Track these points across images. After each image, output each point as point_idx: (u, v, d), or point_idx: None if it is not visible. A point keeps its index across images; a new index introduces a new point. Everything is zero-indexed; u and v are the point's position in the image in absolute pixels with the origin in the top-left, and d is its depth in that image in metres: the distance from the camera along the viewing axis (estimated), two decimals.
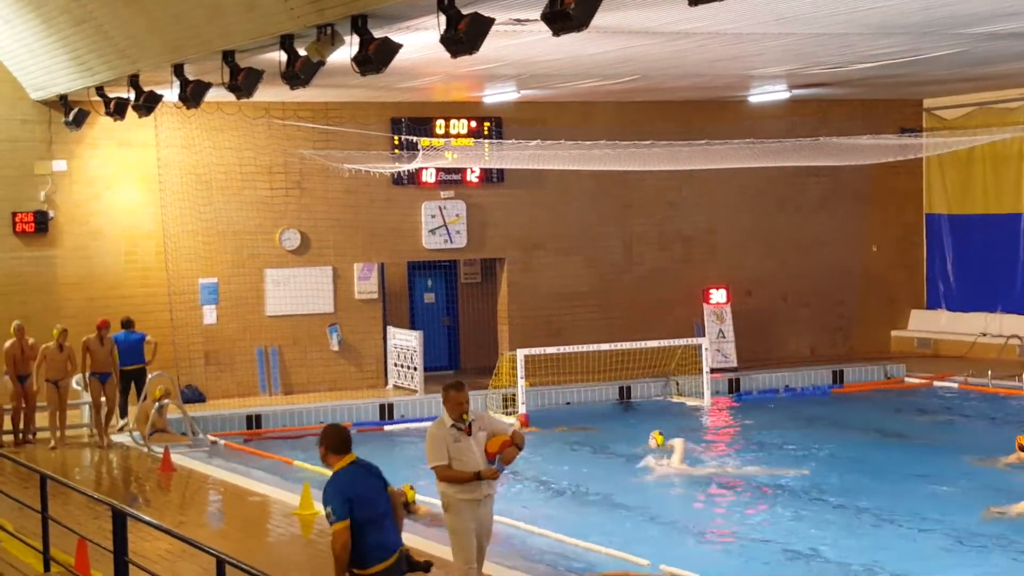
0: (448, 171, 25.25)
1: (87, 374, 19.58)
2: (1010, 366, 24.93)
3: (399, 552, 7.94)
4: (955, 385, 24.66)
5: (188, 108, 18.35)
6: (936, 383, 25.06)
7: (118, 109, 19.37)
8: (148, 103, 18.59)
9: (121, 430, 20.43)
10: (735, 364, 26.11)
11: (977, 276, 28.98)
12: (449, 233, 25.33)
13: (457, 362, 26.96)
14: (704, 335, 25.18)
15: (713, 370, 24.57)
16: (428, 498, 15.74)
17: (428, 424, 21.48)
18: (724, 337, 26.35)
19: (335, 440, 8.00)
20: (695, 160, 23.77)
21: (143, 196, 23.35)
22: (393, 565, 7.88)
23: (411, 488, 15.42)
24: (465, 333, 27.07)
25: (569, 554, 13.26)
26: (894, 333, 29.82)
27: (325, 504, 7.81)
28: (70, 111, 21.18)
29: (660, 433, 19.19)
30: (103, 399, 19.69)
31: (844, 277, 28.83)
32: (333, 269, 24.63)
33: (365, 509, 7.77)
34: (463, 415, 9.65)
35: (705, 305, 26.54)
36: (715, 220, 27.66)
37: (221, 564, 7.91)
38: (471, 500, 9.69)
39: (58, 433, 19.51)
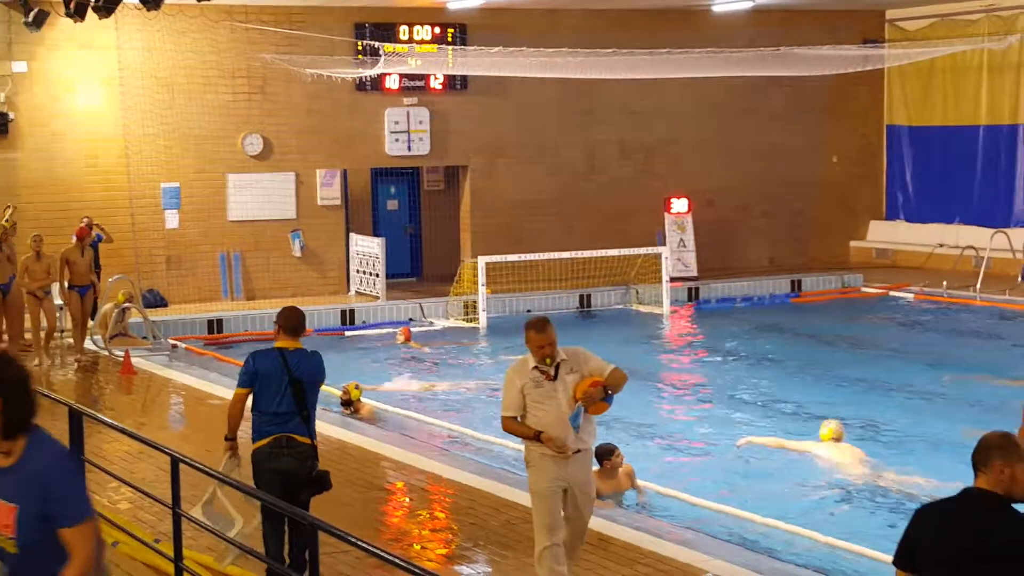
0: (412, 78, 25.19)
1: (66, 286, 18.99)
2: (965, 277, 25.24)
3: (285, 437, 8.68)
4: (911, 295, 24.98)
5: (149, 10, 18.25)
6: (892, 293, 25.39)
7: (78, 10, 19.20)
8: (108, 4, 18.45)
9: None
10: (695, 273, 26.35)
11: (936, 187, 29.24)
12: (410, 140, 25.33)
13: (420, 269, 27.11)
14: (665, 244, 25.39)
15: (673, 279, 24.80)
16: (373, 402, 16.04)
17: (389, 329, 21.90)
18: (685, 246, 26.56)
19: (287, 321, 8.91)
20: (658, 69, 23.79)
21: (105, 99, 23.23)
22: (272, 443, 8.68)
23: (356, 387, 15.76)
24: (428, 240, 27.19)
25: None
26: (853, 243, 30.11)
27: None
28: (30, 11, 20.96)
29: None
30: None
31: (804, 187, 29.02)
32: (295, 175, 24.63)
33: (264, 395, 8.69)
34: (546, 358, 8.31)
35: (666, 214, 26.71)
36: (677, 130, 27.74)
37: (176, 463, 8.09)
38: (555, 457, 8.28)
39: (44, 354, 18.76)
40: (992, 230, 26.20)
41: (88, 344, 19.87)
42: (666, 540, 9.95)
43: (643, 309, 24.19)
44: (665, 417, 15.86)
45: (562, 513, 8.33)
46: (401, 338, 20.89)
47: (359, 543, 6.43)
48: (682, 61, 23.71)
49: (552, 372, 8.30)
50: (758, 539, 10.65)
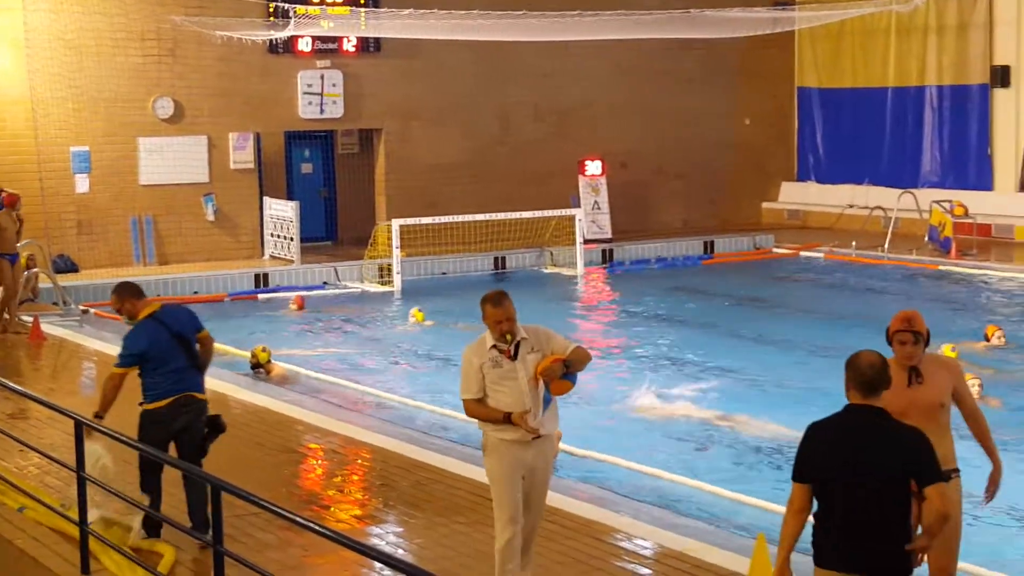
0: (324, 40, 25.03)
1: None
2: (874, 237, 25.63)
3: (185, 396, 8.99)
4: (821, 255, 25.35)
5: None
6: (802, 253, 25.75)
7: None
8: None
9: None
10: (610, 235, 26.51)
11: (846, 149, 29.64)
12: (323, 103, 25.19)
13: (335, 233, 27.04)
14: (579, 206, 25.52)
15: (587, 241, 24.96)
16: (285, 364, 16.04)
17: (300, 293, 21.86)
18: (599, 209, 26.72)
19: (134, 291, 9.16)
20: (569, 32, 23.86)
21: (11, 61, 22.86)
22: (172, 403, 8.93)
23: (263, 350, 15.82)
24: (343, 204, 27.11)
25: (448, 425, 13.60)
26: (765, 205, 30.45)
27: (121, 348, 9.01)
28: None
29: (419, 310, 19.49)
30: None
31: (717, 150, 29.27)
32: (208, 138, 24.41)
33: (157, 364, 8.89)
34: (506, 335, 7.69)
35: (580, 177, 26.83)
36: (592, 93, 27.82)
37: (79, 426, 8.07)
38: (514, 440, 7.68)
39: None
40: (900, 191, 26.62)
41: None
42: (578, 499, 10.07)
43: (557, 271, 24.33)
44: (580, 377, 15.95)
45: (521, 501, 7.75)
46: (294, 307, 20.75)
47: (262, 503, 6.47)
48: (593, 24, 23.79)
49: (512, 350, 7.67)
50: (677, 497, 10.80)
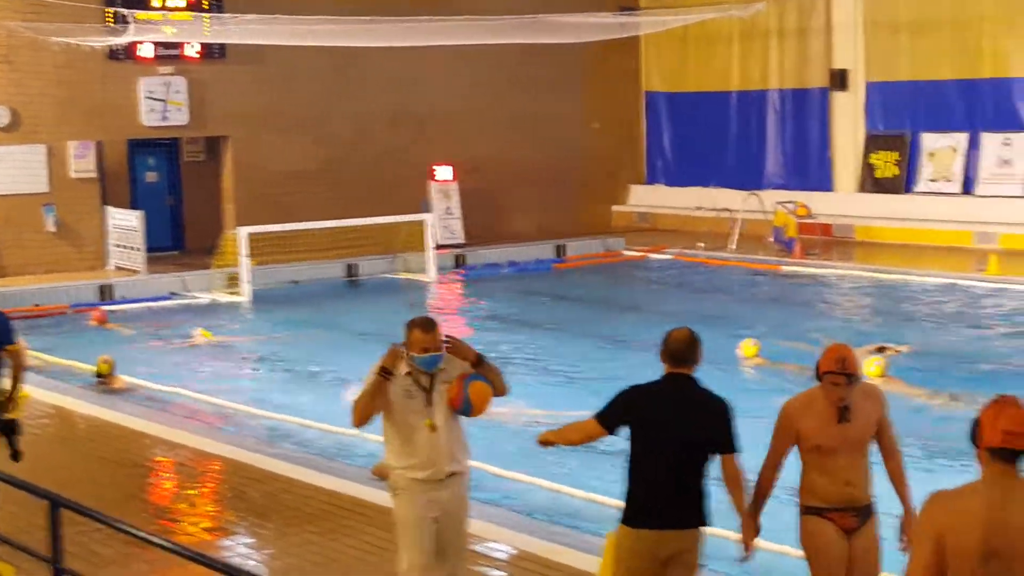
0: (166, 46, 24.60)
1: None
2: (721, 238, 26.06)
3: None
4: (670, 257, 25.68)
5: None
6: (651, 255, 26.06)
7: None
8: None
9: None
10: (462, 240, 26.52)
11: (693, 152, 30.12)
12: (166, 111, 24.76)
13: (182, 242, 26.58)
14: (431, 212, 25.48)
15: (440, 246, 24.92)
16: (127, 377, 15.73)
17: (153, 304, 21.40)
18: (451, 214, 26.72)
19: None
20: (415, 37, 23.81)
21: None
22: None
23: (104, 361, 15.56)
24: (190, 213, 26.66)
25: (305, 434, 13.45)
26: (616, 208, 30.77)
27: None
28: None
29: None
30: None
31: (568, 154, 29.48)
32: (47, 147, 23.81)
33: None
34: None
35: (432, 182, 26.80)
36: (443, 98, 27.79)
37: None
38: (426, 480, 7.09)
39: None
40: (745, 192, 27.13)
41: None
42: None
43: (410, 276, 24.24)
44: None
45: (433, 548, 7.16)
46: (94, 322, 20.10)
47: (101, 518, 6.31)
48: (443, 29, 23.78)
49: (429, 385, 7.06)
50: (527, 499, 10.81)
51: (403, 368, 7.04)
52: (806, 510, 6.68)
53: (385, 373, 6.97)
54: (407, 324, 7.11)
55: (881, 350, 15.52)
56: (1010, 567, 4.56)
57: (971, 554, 4.56)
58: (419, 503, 7.08)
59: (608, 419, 6.63)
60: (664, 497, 6.47)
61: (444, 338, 7.09)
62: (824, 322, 19.01)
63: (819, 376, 6.68)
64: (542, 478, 11.17)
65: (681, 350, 6.63)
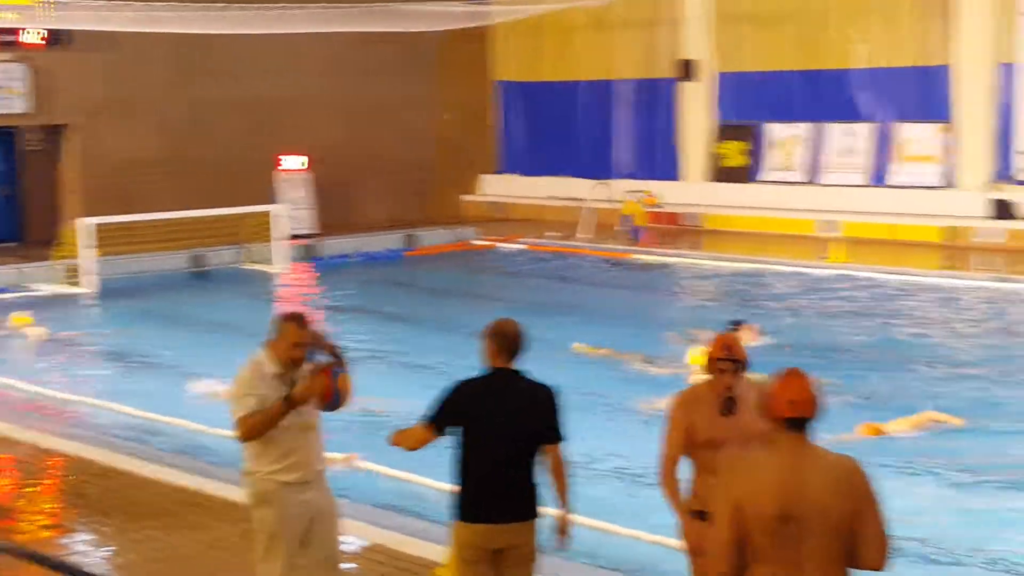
0: (4, 32, 23.89)
1: None
2: (572, 227, 26.20)
3: None
4: (522, 247, 25.73)
5: None
6: (503, 245, 26.09)
7: None
8: None
9: None
10: (312, 230, 26.25)
11: (544, 142, 30.26)
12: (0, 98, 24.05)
13: (21, 234, 25.84)
14: (280, 201, 25.16)
15: (290, 236, 24.61)
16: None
17: None
18: (300, 204, 26.42)
19: None
20: (264, 24, 23.48)
21: None
22: None
23: None
24: (30, 203, 25.95)
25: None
26: (468, 197, 30.76)
27: None
28: None
29: None
30: None
31: (419, 144, 29.38)
32: None
33: None
34: (298, 360, 6.82)
35: (281, 172, 26.48)
36: (293, 86, 27.48)
37: None
38: (297, 483, 6.81)
39: None
40: (595, 182, 27.32)
41: None
42: None
43: (258, 267, 23.90)
44: None
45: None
46: None
47: None
48: (287, 16, 23.48)
49: (292, 383, 6.77)
50: (371, 490, 10.70)
51: (271, 368, 6.75)
52: (692, 515, 6.46)
53: (293, 404, 6.68)
54: (280, 318, 6.86)
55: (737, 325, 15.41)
56: (804, 528, 4.86)
57: (769, 518, 4.86)
58: (292, 510, 6.77)
59: (437, 422, 6.48)
60: (495, 492, 6.39)
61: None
62: (674, 310, 19.25)
63: (708, 365, 6.49)
64: (386, 466, 11.07)
65: (516, 344, 6.50)
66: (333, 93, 27.95)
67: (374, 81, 28.52)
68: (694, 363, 14.35)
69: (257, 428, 6.66)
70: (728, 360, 6.40)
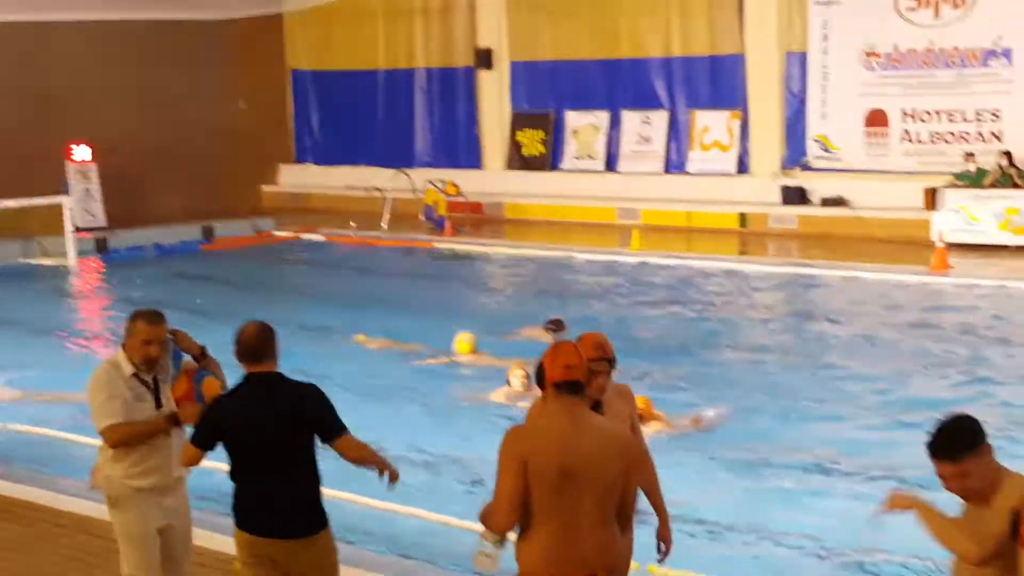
0: None
1: None
2: (373, 218, 25.96)
3: None
4: (321, 238, 25.39)
5: None
6: (303, 236, 25.70)
7: None
8: None
9: None
10: (104, 223, 25.45)
11: (342, 131, 29.94)
12: None
13: None
14: (69, 194, 24.30)
15: (80, 229, 23.82)
16: None
17: None
18: (91, 196, 25.60)
19: None
20: (44, 9, 22.65)
21: None
22: None
23: None
24: None
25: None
26: (266, 188, 30.29)
27: None
28: None
29: None
30: None
31: (214, 134, 28.74)
32: None
33: None
34: (152, 358, 6.65)
35: (68, 163, 25.59)
36: (78, 75, 26.56)
37: None
38: (153, 488, 6.68)
39: None
40: (395, 171, 27.12)
41: None
42: (67, 494, 9.54)
43: (48, 262, 23.04)
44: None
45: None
46: None
47: None
48: (76, 2, 22.70)
49: (154, 382, 6.67)
50: None
51: (128, 368, 6.58)
52: None
53: (177, 424, 6.58)
54: (131, 315, 6.71)
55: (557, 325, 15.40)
56: (580, 482, 5.34)
57: (550, 473, 5.32)
58: (149, 515, 6.65)
59: (202, 441, 6.22)
60: (261, 506, 6.10)
61: (168, 332, 6.76)
62: (476, 301, 19.20)
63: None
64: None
65: (255, 346, 6.18)
66: (125, 82, 27.12)
67: (167, 70, 27.77)
68: (461, 351, 14.41)
69: (130, 439, 6.56)
70: (603, 360, 6.01)
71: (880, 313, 17.14)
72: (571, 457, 5.30)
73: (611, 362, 6.07)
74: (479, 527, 5.54)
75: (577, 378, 5.43)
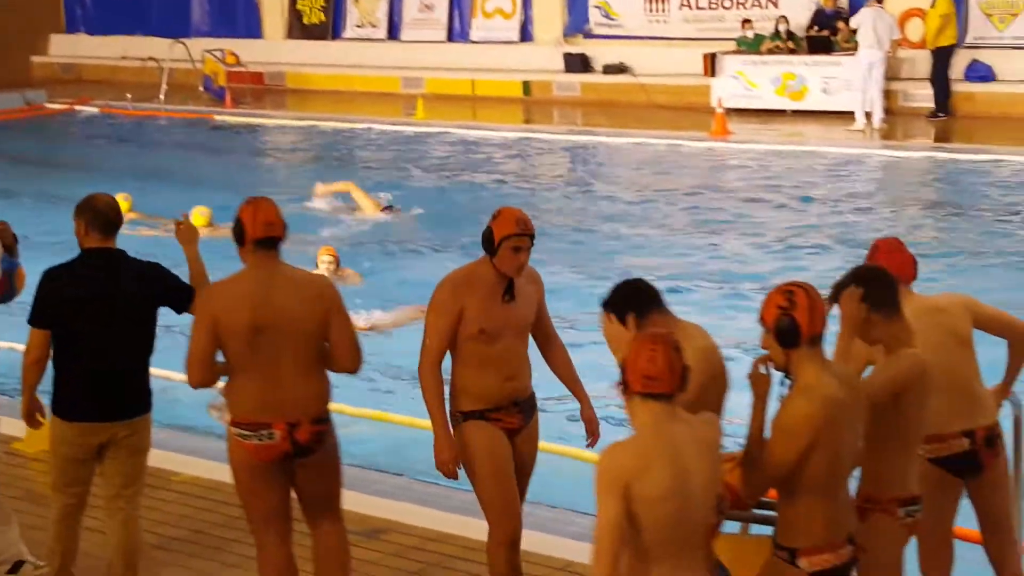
0: None
1: None
2: (150, 89, 25.17)
3: None
4: (96, 110, 24.56)
5: None
6: (77, 108, 24.80)
7: None
8: None
9: None
10: None
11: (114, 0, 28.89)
12: None
13: None
14: None
15: None
16: None
17: None
18: None
19: None
20: None
21: None
22: None
23: None
24: None
25: None
26: (35, 59, 29.15)
27: None
28: None
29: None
30: None
31: None
32: None
33: None
34: None
35: None
36: None
37: None
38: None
39: None
40: (172, 41, 26.26)
41: None
42: None
43: None
44: None
45: None
46: None
47: None
48: None
49: None
50: None
51: None
52: (464, 416, 5.72)
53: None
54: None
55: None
56: (275, 338, 5.43)
57: (243, 329, 5.41)
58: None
59: (41, 321, 5.82)
60: (96, 389, 5.81)
61: None
62: (257, 172, 18.90)
63: (494, 243, 5.59)
64: None
65: (116, 217, 5.89)
66: None
67: None
68: (196, 223, 13.80)
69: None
70: (526, 235, 5.59)
71: (661, 178, 17.47)
72: (263, 311, 5.40)
73: (532, 238, 5.62)
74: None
75: (277, 234, 5.49)
